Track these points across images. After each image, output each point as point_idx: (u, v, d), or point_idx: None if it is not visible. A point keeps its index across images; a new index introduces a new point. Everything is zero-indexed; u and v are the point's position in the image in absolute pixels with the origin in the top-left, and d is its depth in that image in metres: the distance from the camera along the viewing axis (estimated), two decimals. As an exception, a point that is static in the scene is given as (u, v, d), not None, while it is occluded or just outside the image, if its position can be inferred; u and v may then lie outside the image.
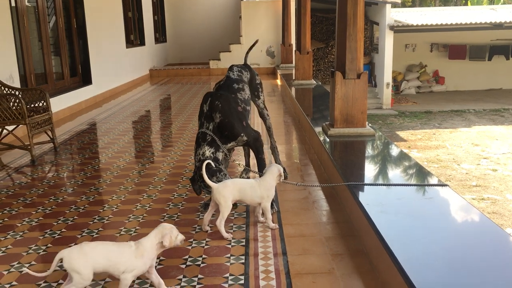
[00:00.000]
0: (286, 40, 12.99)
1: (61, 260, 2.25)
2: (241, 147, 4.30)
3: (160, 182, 4.27)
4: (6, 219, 3.49)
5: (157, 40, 15.32)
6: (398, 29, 16.03)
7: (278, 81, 12.15)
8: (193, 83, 12.32)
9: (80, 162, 5.07)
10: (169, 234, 2.32)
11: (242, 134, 3.55)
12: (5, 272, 2.71)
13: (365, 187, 3.47)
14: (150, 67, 14.14)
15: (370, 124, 5.04)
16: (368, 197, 3.24)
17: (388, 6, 15.99)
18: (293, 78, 10.17)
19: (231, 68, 4.07)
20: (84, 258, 2.24)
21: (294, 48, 12.74)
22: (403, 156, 4.45)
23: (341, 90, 4.75)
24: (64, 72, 8.43)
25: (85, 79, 9.12)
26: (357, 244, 2.97)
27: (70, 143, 5.98)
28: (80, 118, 7.62)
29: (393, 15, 16.48)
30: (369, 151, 4.75)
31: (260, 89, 4.24)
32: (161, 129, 6.99)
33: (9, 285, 2.58)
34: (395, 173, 4.06)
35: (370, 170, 4.13)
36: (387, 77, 16.13)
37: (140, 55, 13.12)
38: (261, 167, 3.65)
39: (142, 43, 13.45)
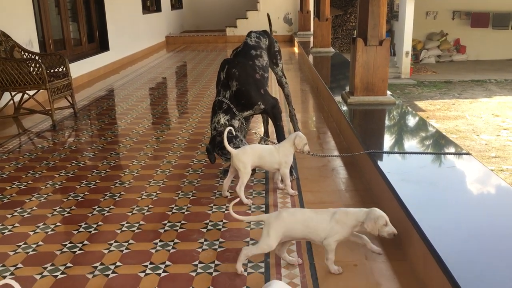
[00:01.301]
0: (304, 6, 12.74)
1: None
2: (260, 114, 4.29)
3: (179, 148, 4.29)
4: (30, 182, 3.56)
5: (173, 7, 15.15)
6: (420, -5, 15.57)
7: (296, 49, 11.99)
8: (209, 51, 12.22)
9: (100, 128, 5.11)
10: (373, 220, 2.21)
11: (259, 103, 3.53)
12: (31, 233, 2.78)
13: (385, 155, 3.45)
14: (167, 34, 14.03)
15: (390, 93, 4.97)
16: (388, 165, 3.21)
17: (410, -29, 15.50)
18: (311, 45, 10.02)
19: (249, 34, 4.01)
20: (281, 224, 2.27)
21: (312, 15, 12.52)
22: (423, 125, 4.40)
23: (362, 57, 4.67)
24: (81, 38, 8.41)
25: (103, 45, 9.10)
26: (377, 211, 2.97)
27: (89, 108, 6.02)
28: (98, 84, 7.64)
29: (415, -19, 15.99)
30: (389, 119, 4.70)
31: (278, 57, 4.18)
32: (178, 96, 6.98)
33: (35, 245, 2.64)
34: (415, 142, 4.02)
35: (390, 138, 4.09)
36: (407, 45, 15.77)
37: (156, 21, 13.01)
38: (279, 134, 3.64)
39: (158, 9, 13.32)
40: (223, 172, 3.60)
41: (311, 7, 12.75)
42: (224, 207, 3.08)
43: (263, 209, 3.04)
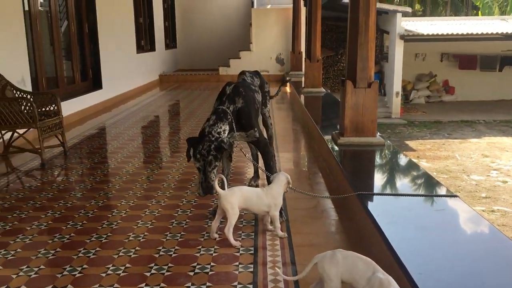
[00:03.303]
0: (296, 47, 13.00)
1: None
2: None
3: (169, 188, 4.27)
4: (15, 223, 3.50)
5: (167, 46, 15.40)
6: (408, 38, 16.01)
7: (288, 89, 12.15)
8: (202, 89, 12.35)
9: (90, 167, 5.08)
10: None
11: (255, 129, 3.56)
12: (14, 276, 2.72)
13: (374, 196, 3.45)
14: (160, 72, 14.21)
15: (379, 134, 5.02)
16: (377, 207, 3.21)
17: (399, 15, 15.99)
18: (303, 85, 10.16)
19: (243, 72, 4.09)
20: (335, 267, 2.19)
21: (304, 56, 12.76)
22: (412, 166, 4.42)
23: (352, 99, 4.73)
24: (75, 76, 8.49)
25: (96, 84, 9.18)
26: (366, 255, 2.94)
27: (80, 147, 6.01)
28: (90, 123, 7.66)
29: (404, 24, 16.46)
30: (378, 160, 4.72)
31: (268, 97, 4.26)
32: (170, 134, 7.00)
33: (17, 289, 2.58)
34: (404, 183, 4.04)
35: (379, 179, 4.10)
36: (397, 86, 16.09)
37: (150, 60, 13.19)
38: (270, 173, 3.63)
39: (152, 48, 13.52)
40: (213, 213, 3.57)
41: (303, 48, 13.02)
42: (213, 249, 3.04)
43: (252, 252, 3.00)
